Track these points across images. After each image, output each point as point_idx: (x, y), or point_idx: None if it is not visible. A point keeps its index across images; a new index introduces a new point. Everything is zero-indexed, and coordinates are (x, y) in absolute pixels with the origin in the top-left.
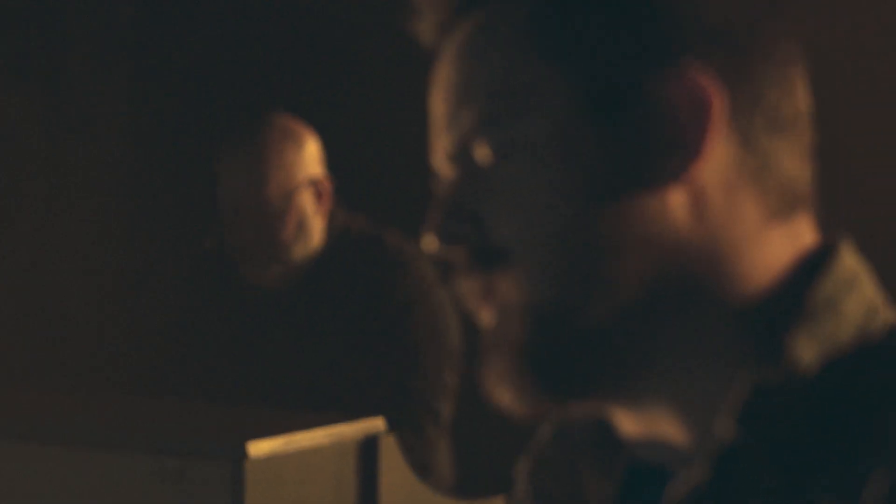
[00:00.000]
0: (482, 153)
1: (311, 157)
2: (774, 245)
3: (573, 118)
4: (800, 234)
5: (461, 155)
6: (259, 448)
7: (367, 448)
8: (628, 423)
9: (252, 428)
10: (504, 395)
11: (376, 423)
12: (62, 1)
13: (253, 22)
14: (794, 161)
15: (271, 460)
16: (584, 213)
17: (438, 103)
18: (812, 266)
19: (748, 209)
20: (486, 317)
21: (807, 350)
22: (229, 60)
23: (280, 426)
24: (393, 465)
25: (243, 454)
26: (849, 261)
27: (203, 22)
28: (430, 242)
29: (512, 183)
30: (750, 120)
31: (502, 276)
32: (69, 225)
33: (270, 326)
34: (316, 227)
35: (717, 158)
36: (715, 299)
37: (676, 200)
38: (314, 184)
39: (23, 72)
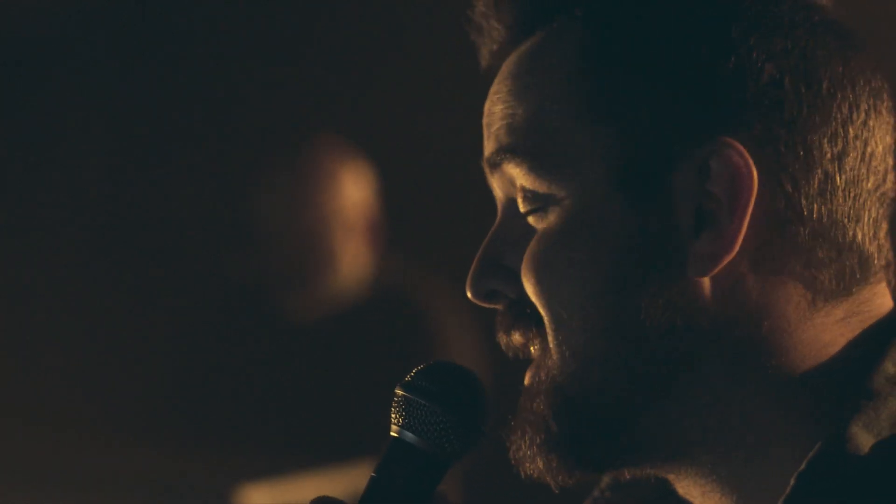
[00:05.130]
0: (521, 205)
1: (358, 183)
2: (829, 326)
3: (606, 188)
4: (870, 307)
5: (506, 199)
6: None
7: None
8: (681, 493)
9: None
10: (533, 466)
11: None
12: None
13: (299, 36)
14: (865, 224)
15: None
16: (605, 293)
17: (486, 133)
18: (879, 342)
19: (792, 291)
20: (526, 381)
21: (864, 437)
22: (266, 79)
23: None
24: None
25: None
26: None
27: (243, 33)
28: (469, 296)
29: (539, 244)
30: (801, 188)
31: (536, 335)
32: (76, 251)
33: (285, 368)
34: (355, 261)
35: (756, 238)
36: (759, 388)
37: (707, 288)
38: (358, 213)
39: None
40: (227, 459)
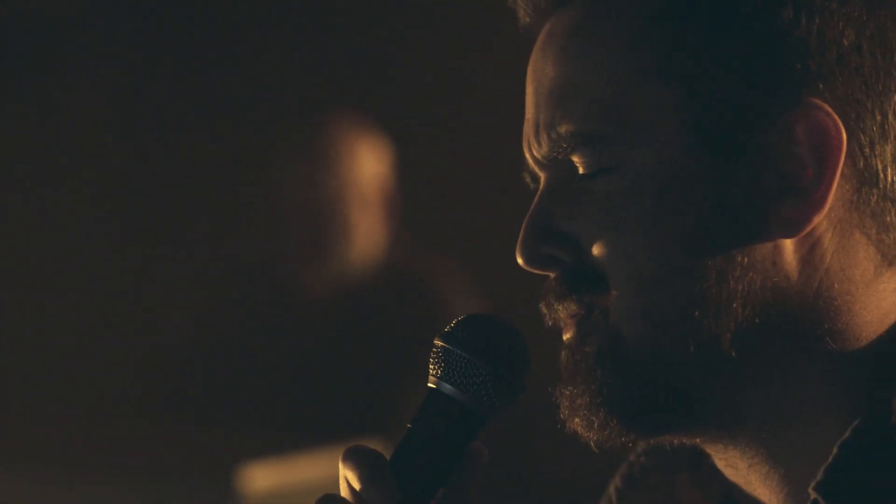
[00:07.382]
0: (580, 167)
1: (374, 158)
2: (888, 293)
3: (686, 148)
4: None
5: (555, 162)
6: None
7: None
8: (722, 466)
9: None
10: (580, 425)
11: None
12: None
13: (316, 9)
14: None
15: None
16: (686, 256)
17: (533, 97)
18: None
19: (863, 254)
20: (568, 336)
21: None
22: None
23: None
24: None
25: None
26: None
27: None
28: (521, 264)
29: (610, 206)
30: (877, 151)
31: (595, 300)
32: (81, 225)
33: (296, 344)
34: (370, 238)
35: (834, 199)
36: (820, 356)
37: (788, 249)
38: (373, 188)
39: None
40: (233, 438)
